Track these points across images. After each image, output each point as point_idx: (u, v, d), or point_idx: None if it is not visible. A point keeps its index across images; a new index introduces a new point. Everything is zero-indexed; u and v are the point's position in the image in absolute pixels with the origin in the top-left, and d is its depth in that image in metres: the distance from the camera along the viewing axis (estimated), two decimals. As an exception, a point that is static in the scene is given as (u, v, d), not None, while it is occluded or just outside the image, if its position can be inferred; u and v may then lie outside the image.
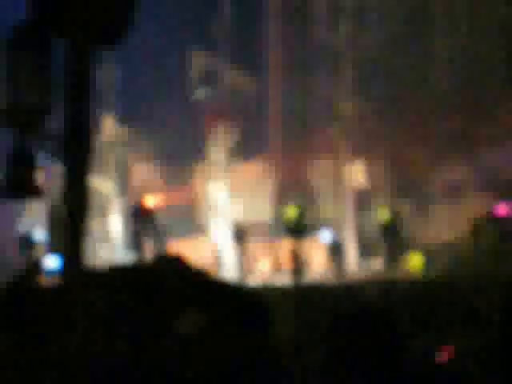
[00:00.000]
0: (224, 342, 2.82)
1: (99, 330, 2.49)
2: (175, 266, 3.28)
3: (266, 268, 34.29)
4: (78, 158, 6.79)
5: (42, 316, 3.20)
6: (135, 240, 19.45)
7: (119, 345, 2.38)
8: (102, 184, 35.68)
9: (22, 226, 29.26)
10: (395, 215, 24.45)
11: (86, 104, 6.90)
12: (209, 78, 37.54)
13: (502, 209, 30.69)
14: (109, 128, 36.95)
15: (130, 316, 2.44)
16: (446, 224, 31.59)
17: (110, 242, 35.98)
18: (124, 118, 36.32)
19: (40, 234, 25.80)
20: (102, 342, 2.43)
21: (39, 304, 3.31)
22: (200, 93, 38.48)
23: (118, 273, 2.74)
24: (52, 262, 6.14)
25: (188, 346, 2.75)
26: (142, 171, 38.92)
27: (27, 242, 25.85)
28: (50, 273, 6.14)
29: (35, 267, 5.60)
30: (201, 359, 2.69)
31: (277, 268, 34.11)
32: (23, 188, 6.63)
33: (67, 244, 6.83)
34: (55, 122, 7.25)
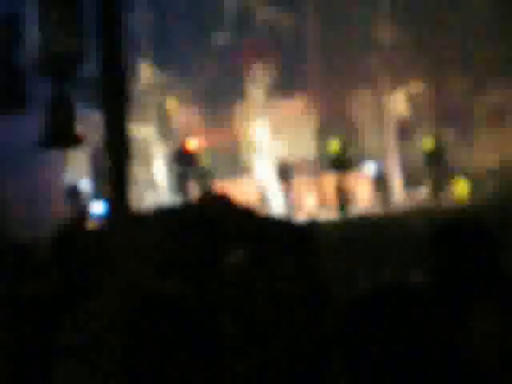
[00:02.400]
0: (274, 276, 2.81)
1: (147, 268, 2.49)
2: (221, 203, 3.27)
3: (311, 204, 34.33)
4: (116, 104, 6.77)
5: (90, 257, 3.24)
6: (179, 183, 19.49)
7: (168, 283, 2.38)
8: (143, 129, 35.79)
9: (68, 177, 29.62)
10: (439, 143, 24.17)
11: (119, 49, 6.86)
12: (246, 16, 37.22)
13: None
14: (146, 73, 36.91)
15: (178, 254, 2.44)
16: (491, 149, 31.23)
17: (155, 186, 36.25)
18: (160, 62, 36.24)
19: (85, 184, 26.13)
20: (150, 281, 2.44)
21: (88, 246, 3.34)
22: (224, 37, 38.24)
23: (163, 212, 2.73)
24: (98, 208, 6.18)
25: (238, 282, 2.75)
26: (182, 114, 38.94)
27: (73, 192, 26.19)
28: (97, 217, 6.20)
29: (83, 213, 5.63)
30: (252, 294, 2.68)
31: (322, 203, 34.13)
32: (64, 136, 6.64)
33: (111, 189, 6.86)
34: (92, 69, 7.24)
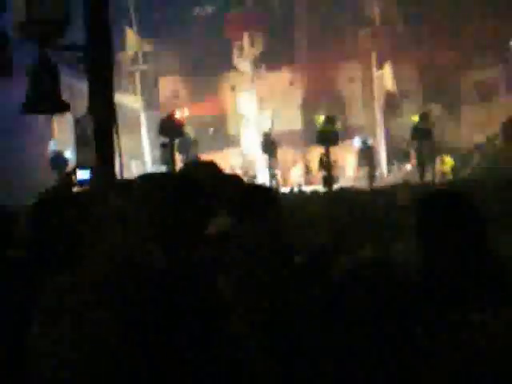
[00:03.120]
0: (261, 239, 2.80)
1: (132, 234, 2.46)
2: (207, 170, 3.24)
3: (297, 176, 34.34)
4: (101, 72, 6.70)
5: (73, 223, 3.20)
6: (166, 154, 19.41)
7: (152, 247, 2.35)
8: (129, 99, 35.58)
9: (53, 146, 29.51)
10: (426, 119, 24.16)
11: (105, 16, 6.78)
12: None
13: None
14: (132, 41, 36.63)
15: (163, 219, 2.41)
16: (477, 126, 31.29)
17: (141, 157, 36.12)
18: (146, 31, 35.99)
19: (71, 152, 26.01)
20: (134, 245, 2.41)
21: (71, 212, 3.31)
22: (202, 9, 38.09)
23: (148, 179, 2.70)
24: (83, 174, 6.15)
25: (226, 246, 2.74)
26: (169, 84, 38.74)
27: (59, 159, 26.09)
28: (82, 183, 6.18)
29: (68, 180, 5.60)
30: (241, 258, 2.69)
31: (308, 176, 34.15)
32: (49, 101, 6.56)
33: (96, 157, 6.82)
34: (78, 34, 7.16)
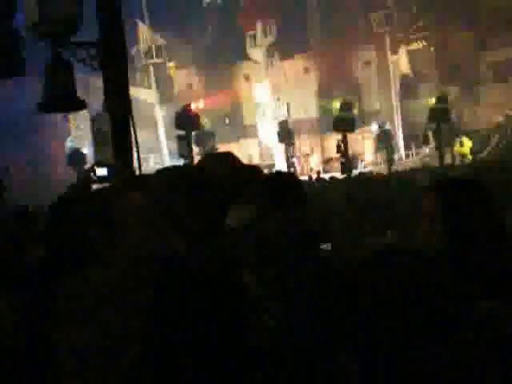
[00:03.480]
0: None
1: (151, 228, 2.47)
2: (225, 162, 3.23)
3: (316, 164, 34.29)
4: (116, 67, 6.71)
5: (92, 221, 3.21)
6: (183, 147, 19.39)
7: (175, 242, 2.36)
8: (143, 92, 35.60)
9: (71, 142, 29.65)
10: (443, 101, 23.98)
11: (118, 12, 6.79)
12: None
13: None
14: (144, 35, 36.63)
15: (183, 214, 2.42)
16: (494, 106, 31.10)
17: (159, 150, 36.17)
18: (158, 25, 35.99)
19: (88, 149, 26.09)
20: (156, 241, 2.42)
21: (90, 210, 3.31)
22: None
23: (165, 173, 2.70)
24: (101, 171, 6.18)
25: (249, 240, 2.74)
26: (183, 76, 38.72)
27: (76, 157, 26.13)
28: (101, 180, 6.22)
29: (87, 177, 5.64)
30: (265, 251, 2.69)
31: (326, 162, 34.09)
32: (65, 100, 6.57)
33: (114, 153, 6.83)
34: (92, 33, 7.18)
